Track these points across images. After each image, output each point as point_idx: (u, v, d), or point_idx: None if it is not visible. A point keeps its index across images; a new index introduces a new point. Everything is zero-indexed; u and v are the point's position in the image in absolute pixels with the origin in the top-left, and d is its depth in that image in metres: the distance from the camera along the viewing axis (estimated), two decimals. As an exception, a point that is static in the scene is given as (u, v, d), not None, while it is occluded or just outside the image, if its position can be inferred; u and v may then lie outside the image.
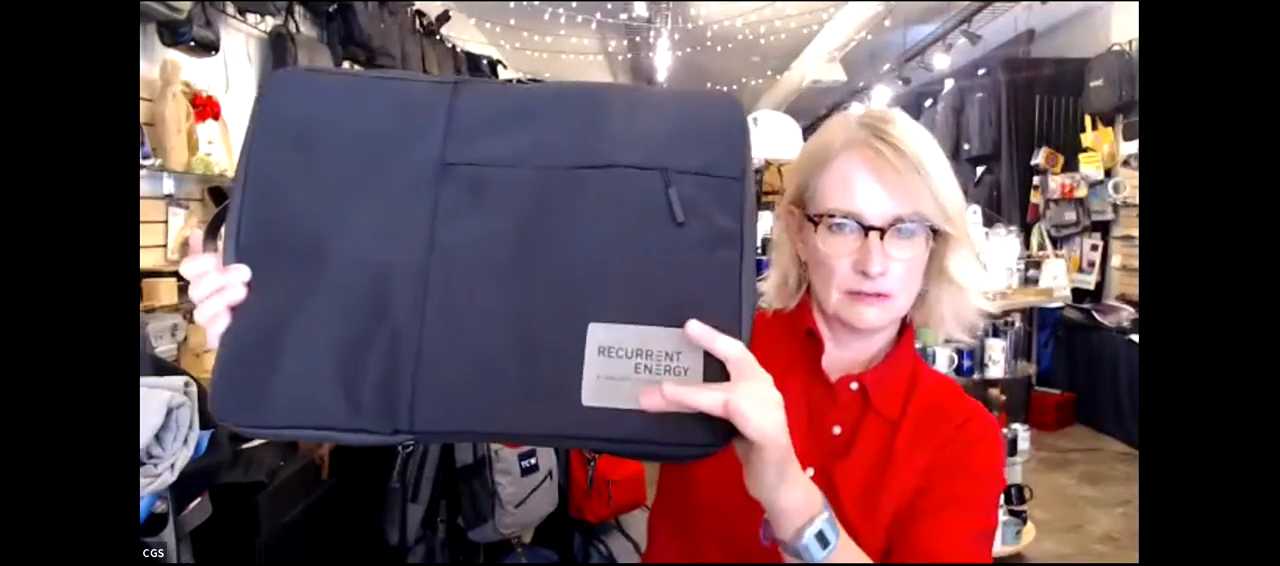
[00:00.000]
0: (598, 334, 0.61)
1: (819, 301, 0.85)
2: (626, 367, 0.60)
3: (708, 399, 0.58)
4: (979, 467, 0.83)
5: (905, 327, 0.88)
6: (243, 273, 0.63)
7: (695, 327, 0.59)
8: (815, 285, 0.85)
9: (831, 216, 0.80)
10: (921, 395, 0.86)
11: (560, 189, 0.64)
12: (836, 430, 0.84)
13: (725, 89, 8.98)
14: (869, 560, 0.71)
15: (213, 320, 0.63)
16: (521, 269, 0.62)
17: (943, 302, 0.86)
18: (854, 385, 0.85)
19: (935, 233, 0.81)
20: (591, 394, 0.60)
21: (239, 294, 0.63)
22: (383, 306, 0.62)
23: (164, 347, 2.76)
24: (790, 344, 0.87)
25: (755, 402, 0.59)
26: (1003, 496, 2.95)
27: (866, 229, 0.78)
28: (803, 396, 0.84)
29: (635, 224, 0.63)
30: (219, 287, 0.63)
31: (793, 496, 0.65)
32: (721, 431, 0.60)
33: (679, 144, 0.65)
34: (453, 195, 0.64)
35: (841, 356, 0.87)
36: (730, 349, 0.59)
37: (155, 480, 1.40)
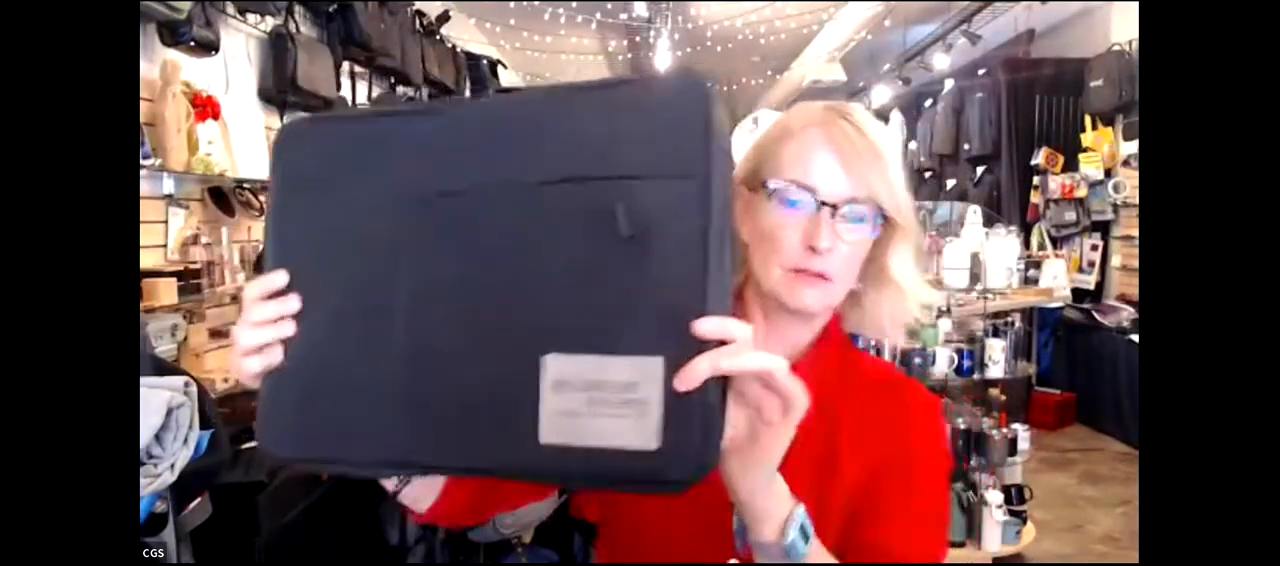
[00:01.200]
0: (552, 366, 0.58)
1: (757, 281, 0.82)
2: (580, 401, 0.57)
3: (767, 362, 0.57)
4: (922, 449, 0.82)
5: (831, 321, 0.86)
6: (295, 304, 0.65)
7: (704, 325, 0.56)
8: (755, 263, 0.81)
9: (787, 187, 0.78)
10: (858, 381, 0.85)
11: (517, 210, 0.62)
12: None
13: (725, 89, 8.98)
14: (833, 558, 0.70)
15: (262, 350, 0.65)
16: (482, 300, 0.62)
17: (881, 304, 0.85)
18: None
19: (884, 224, 0.80)
20: (549, 430, 0.57)
21: (290, 329, 0.65)
22: (376, 343, 0.64)
23: (164, 348, 2.76)
24: None
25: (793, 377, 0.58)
26: (1002, 496, 2.95)
27: (820, 204, 0.77)
28: None
29: (587, 242, 0.59)
30: (278, 317, 0.65)
31: (776, 492, 0.65)
32: (694, 467, 0.56)
33: (632, 145, 0.60)
34: (418, 229, 0.64)
35: (773, 349, 0.84)
36: (744, 330, 0.57)
37: (155, 480, 1.40)
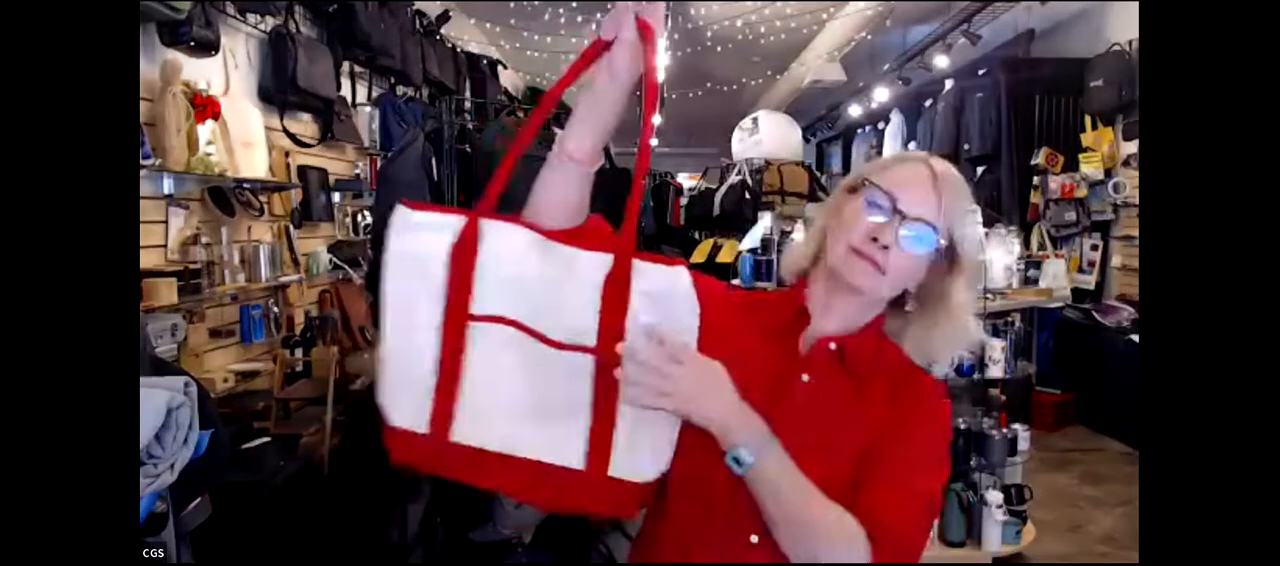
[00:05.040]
0: None
1: (827, 258, 0.97)
2: None
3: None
4: (926, 437, 0.96)
5: (878, 316, 1.00)
6: None
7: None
8: (830, 243, 0.97)
9: (875, 192, 0.93)
10: (888, 364, 0.99)
11: None
12: (805, 378, 0.97)
13: (725, 89, 8.97)
14: (798, 476, 0.86)
15: None
16: None
17: (935, 329, 0.98)
18: (832, 345, 0.98)
19: (949, 257, 0.94)
20: None
21: None
22: None
23: (164, 348, 2.76)
24: (781, 314, 1.01)
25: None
26: (1002, 496, 2.95)
27: (894, 211, 0.92)
28: (782, 356, 0.98)
29: None
30: None
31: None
32: None
33: None
34: None
35: (824, 326, 0.99)
36: None
37: (155, 480, 1.40)
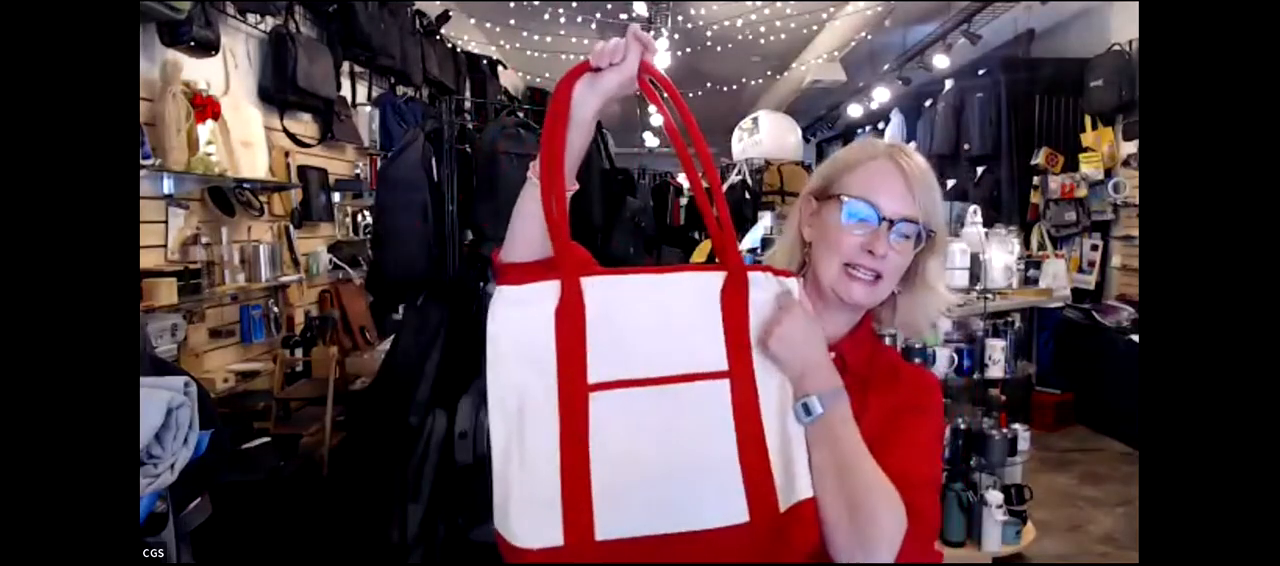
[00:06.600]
0: None
1: (817, 276, 0.99)
2: None
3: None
4: (922, 409, 1.00)
5: (867, 313, 1.04)
6: None
7: None
8: (818, 260, 0.99)
9: (856, 202, 0.95)
10: (881, 361, 1.03)
11: None
12: None
13: (725, 89, 8.98)
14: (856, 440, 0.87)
15: None
16: None
17: (916, 305, 1.02)
18: (833, 354, 0.97)
19: (925, 239, 0.97)
20: None
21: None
22: None
23: (164, 348, 2.76)
24: None
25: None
26: (1002, 496, 2.95)
27: (881, 218, 0.94)
28: None
29: None
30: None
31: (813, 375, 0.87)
32: None
33: None
34: None
35: (825, 333, 1.00)
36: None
37: (155, 480, 1.40)
